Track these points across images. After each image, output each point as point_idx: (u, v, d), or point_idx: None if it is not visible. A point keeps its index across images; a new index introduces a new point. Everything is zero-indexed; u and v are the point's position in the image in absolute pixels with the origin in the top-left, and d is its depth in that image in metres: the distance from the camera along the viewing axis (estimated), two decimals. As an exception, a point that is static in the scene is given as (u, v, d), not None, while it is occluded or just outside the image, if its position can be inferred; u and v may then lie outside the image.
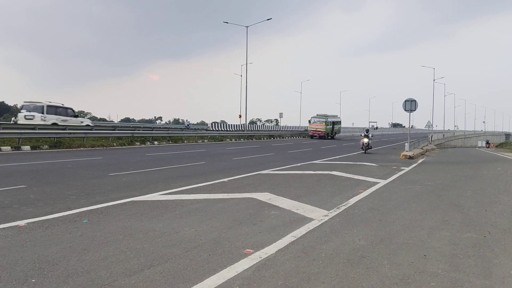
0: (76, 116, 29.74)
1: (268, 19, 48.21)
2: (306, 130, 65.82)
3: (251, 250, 5.51)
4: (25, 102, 27.46)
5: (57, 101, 28.18)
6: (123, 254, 5.20)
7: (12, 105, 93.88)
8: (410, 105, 26.69)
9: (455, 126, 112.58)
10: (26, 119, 26.00)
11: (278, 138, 50.69)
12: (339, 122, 62.82)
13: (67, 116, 27.98)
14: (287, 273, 4.68)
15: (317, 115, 56.81)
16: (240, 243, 5.87)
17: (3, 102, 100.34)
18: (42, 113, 26.52)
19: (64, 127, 24.25)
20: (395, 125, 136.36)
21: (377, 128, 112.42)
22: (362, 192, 10.62)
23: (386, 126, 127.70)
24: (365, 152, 26.43)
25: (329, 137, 55.24)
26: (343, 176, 13.72)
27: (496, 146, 77.56)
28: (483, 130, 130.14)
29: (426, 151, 31.64)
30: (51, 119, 26.67)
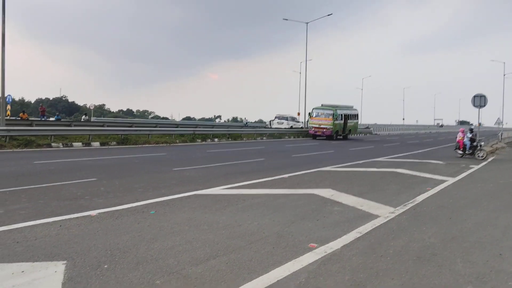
0: (298, 122, 49.74)
1: (328, 15, 47.63)
2: (367, 127, 63.67)
3: (316, 245, 5.43)
4: (277, 114, 49.21)
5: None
6: (189, 244, 5.31)
7: (81, 105, 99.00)
8: (480, 101, 25.33)
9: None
10: (278, 124, 47.33)
11: (337, 136, 49.82)
12: (355, 116, 44.10)
13: (294, 121, 48.92)
14: (354, 268, 4.57)
15: (321, 105, 39.59)
16: (304, 237, 5.81)
17: (73, 102, 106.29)
18: (287, 120, 48.02)
19: (131, 125, 25.25)
20: (461, 123, 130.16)
21: (442, 125, 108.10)
22: (429, 189, 10.19)
23: (453, 123, 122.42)
24: (464, 156, 20.91)
25: (339, 137, 39.35)
26: (409, 174, 13.25)
27: None
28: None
29: (496, 149, 29.88)
30: (290, 124, 47.57)
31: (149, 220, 6.45)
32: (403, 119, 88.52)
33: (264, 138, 35.93)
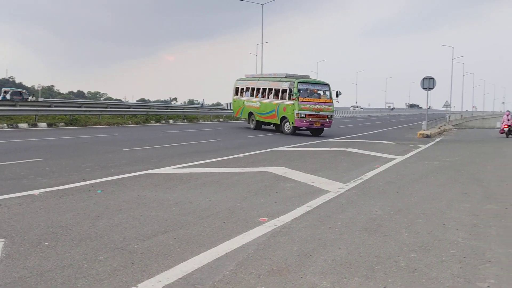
0: None
1: (283, -4, 46.91)
2: None
3: (266, 219, 5.43)
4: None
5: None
6: (137, 220, 5.17)
7: (29, 86, 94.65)
8: (428, 83, 26.13)
9: (473, 107, 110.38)
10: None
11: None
12: None
13: None
14: (302, 240, 4.59)
15: (285, 74, 22.53)
16: (255, 212, 5.79)
17: (20, 83, 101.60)
18: None
19: (80, 105, 24.36)
20: (411, 106, 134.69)
21: (393, 109, 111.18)
22: (378, 167, 10.44)
23: (403, 106, 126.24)
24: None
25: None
26: (359, 153, 13.53)
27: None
28: (502, 111, 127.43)
29: (444, 130, 31.10)
30: None
31: (95, 198, 6.23)
32: (356, 102, 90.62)
33: (221, 119, 35.70)
